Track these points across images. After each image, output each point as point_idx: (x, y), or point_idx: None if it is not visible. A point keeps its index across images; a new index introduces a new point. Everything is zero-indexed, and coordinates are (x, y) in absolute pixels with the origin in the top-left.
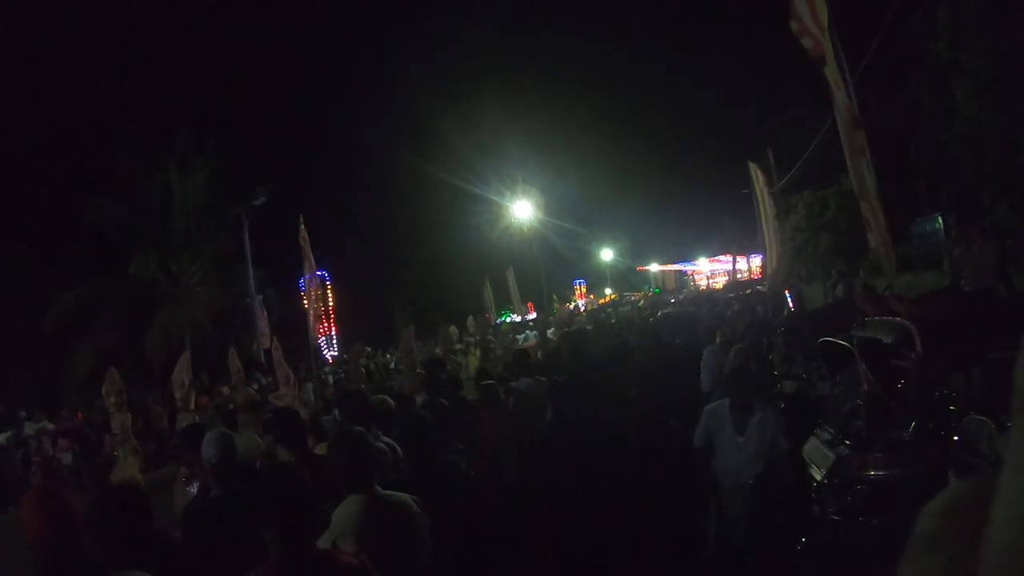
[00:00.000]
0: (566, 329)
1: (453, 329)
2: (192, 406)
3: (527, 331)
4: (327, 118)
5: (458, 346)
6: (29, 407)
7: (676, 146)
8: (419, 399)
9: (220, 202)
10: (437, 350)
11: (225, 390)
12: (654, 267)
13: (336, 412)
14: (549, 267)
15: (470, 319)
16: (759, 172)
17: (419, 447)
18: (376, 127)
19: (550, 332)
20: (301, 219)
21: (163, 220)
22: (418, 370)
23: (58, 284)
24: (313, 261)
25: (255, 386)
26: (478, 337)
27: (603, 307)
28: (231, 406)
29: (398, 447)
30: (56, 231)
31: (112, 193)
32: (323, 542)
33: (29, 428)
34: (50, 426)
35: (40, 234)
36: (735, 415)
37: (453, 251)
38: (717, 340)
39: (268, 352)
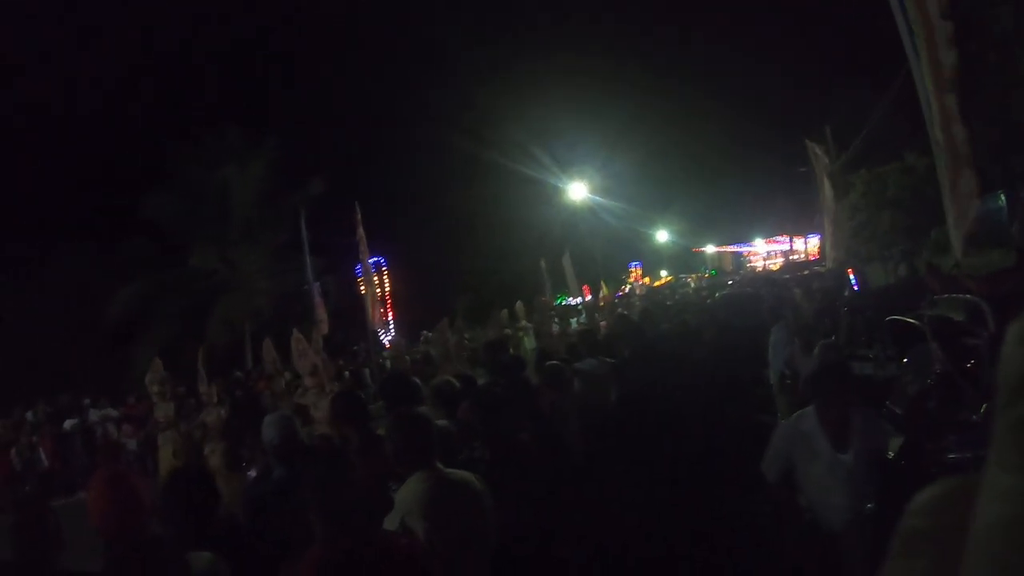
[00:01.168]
0: (620, 311)
1: (505, 313)
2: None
3: (579, 315)
4: (382, 106)
5: (507, 331)
6: (94, 395)
7: (732, 124)
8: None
9: (277, 192)
10: (491, 334)
11: (286, 375)
12: (710, 248)
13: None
14: (604, 249)
15: (518, 303)
16: (817, 150)
17: (493, 425)
18: (431, 113)
19: (598, 316)
20: (356, 206)
21: (221, 212)
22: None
23: (120, 277)
24: (366, 247)
25: None
26: (526, 321)
27: (658, 290)
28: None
29: (466, 427)
30: (117, 226)
31: (171, 188)
32: (390, 522)
33: (94, 415)
34: (114, 413)
35: (102, 229)
36: (830, 429)
37: (509, 235)
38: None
39: (326, 338)
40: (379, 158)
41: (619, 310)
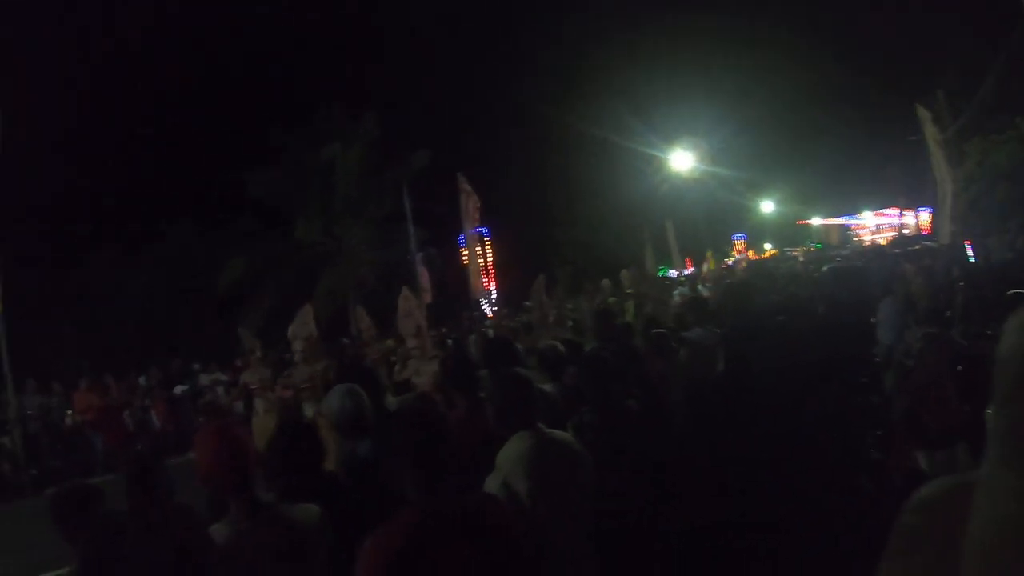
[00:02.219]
0: (728, 281)
1: (606, 282)
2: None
3: (679, 287)
4: (484, 78)
5: (612, 299)
6: (204, 361)
7: (841, 89)
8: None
9: (380, 166)
10: (595, 303)
11: (389, 343)
12: (816, 221)
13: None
14: (708, 221)
15: (624, 272)
16: (929, 116)
17: (602, 390)
18: (532, 83)
19: (702, 288)
20: (460, 176)
21: (325, 187)
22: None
23: (228, 251)
24: (475, 216)
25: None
26: (632, 290)
27: (763, 262)
28: (392, 358)
29: (573, 392)
30: (224, 202)
31: (277, 165)
32: (491, 483)
33: (204, 379)
34: (223, 377)
35: (210, 205)
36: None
37: (612, 206)
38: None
39: (430, 307)
40: (480, 130)
41: (727, 280)
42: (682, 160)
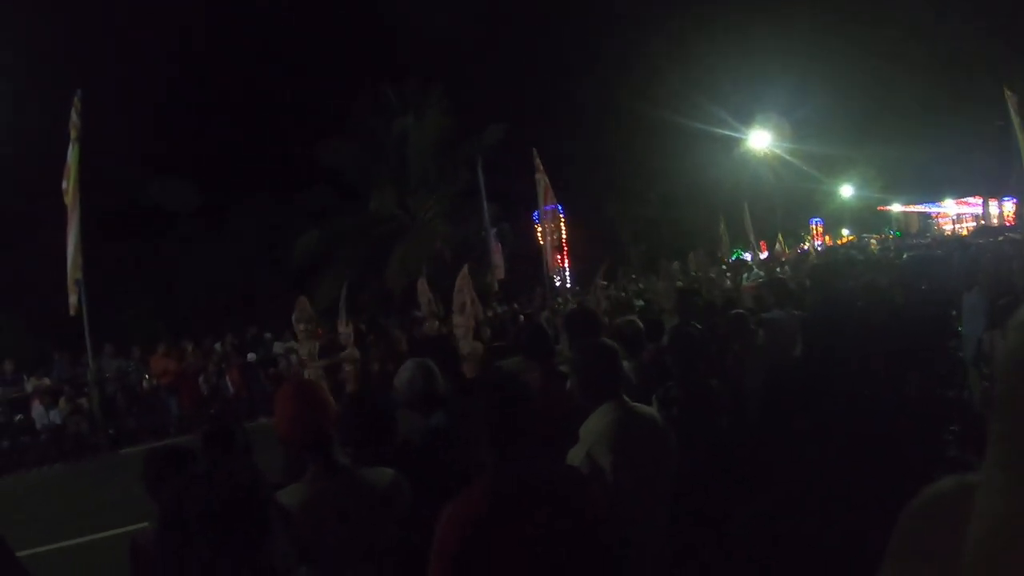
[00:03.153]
0: (815, 262)
1: (676, 265)
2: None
3: (753, 270)
4: (560, 51)
5: (679, 282)
6: (277, 330)
7: (925, 71)
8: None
9: (455, 140)
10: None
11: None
12: (896, 207)
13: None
14: (785, 204)
15: (691, 255)
16: (1016, 100)
17: (689, 366)
18: (609, 57)
19: (779, 271)
20: (535, 152)
21: (400, 160)
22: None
23: (303, 223)
24: (550, 193)
25: (489, 313)
26: (700, 273)
27: (838, 248)
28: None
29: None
30: (299, 174)
31: (352, 138)
32: (574, 455)
33: (277, 348)
34: (295, 346)
35: (285, 178)
36: None
37: (687, 185)
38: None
39: (503, 283)
40: (557, 106)
41: (812, 260)
42: (760, 139)
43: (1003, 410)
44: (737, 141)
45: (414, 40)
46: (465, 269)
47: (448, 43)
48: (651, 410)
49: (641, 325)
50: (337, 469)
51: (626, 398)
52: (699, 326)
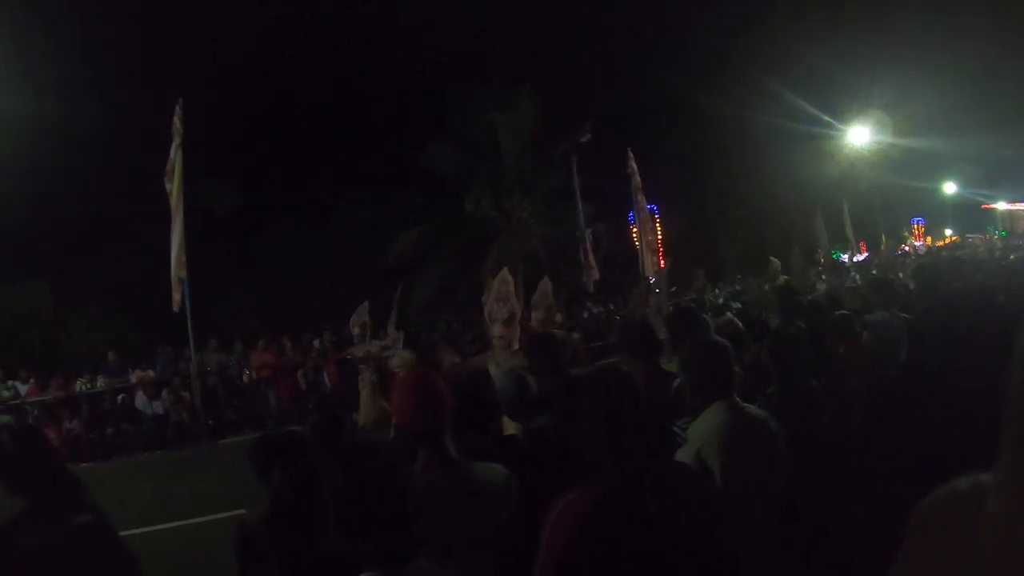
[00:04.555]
0: (921, 261)
1: (776, 262)
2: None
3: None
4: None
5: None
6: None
7: None
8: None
9: (549, 140)
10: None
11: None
12: (1002, 206)
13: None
14: (886, 202)
15: (794, 251)
16: None
17: (790, 369)
18: (701, 53)
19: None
20: (629, 152)
21: (494, 161)
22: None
23: (400, 223)
24: (643, 194)
25: (584, 315)
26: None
27: (941, 250)
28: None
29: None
30: (397, 175)
31: (447, 139)
32: (683, 456)
33: (374, 346)
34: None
35: (383, 179)
36: None
37: (785, 184)
38: None
39: (597, 284)
40: (651, 105)
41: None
42: (859, 135)
43: (1014, 414)
44: (836, 138)
45: (509, 40)
46: (505, 271)
47: (542, 42)
48: (763, 412)
49: (741, 325)
50: (450, 462)
51: (737, 399)
52: (803, 326)
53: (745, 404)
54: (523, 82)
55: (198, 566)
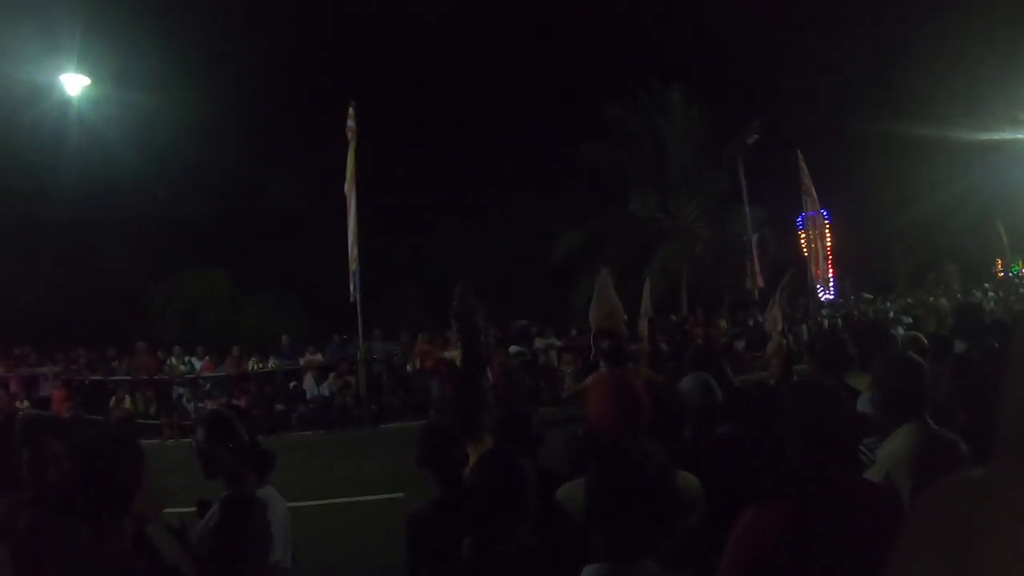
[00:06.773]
0: None
1: (952, 268)
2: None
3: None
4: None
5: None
6: (540, 326)
7: None
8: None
9: (715, 142)
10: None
11: (723, 323)
12: None
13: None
14: None
15: (952, 266)
16: None
17: (973, 395)
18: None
19: None
20: (799, 154)
21: (659, 162)
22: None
23: (565, 222)
24: (815, 198)
25: (751, 323)
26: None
27: None
28: (725, 339)
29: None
30: (562, 175)
31: (611, 140)
32: (872, 475)
33: (539, 343)
34: (557, 343)
35: (547, 178)
36: None
37: (963, 190)
38: None
39: (762, 291)
40: (822, 106)
41: None
42: None
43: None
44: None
45: (673, 40)
46: (605, 273)
47: (709, 43)
48: (955, 437)
49: (926, 343)
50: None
51: (930, 420)
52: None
53: (937, 427)
54: (688, 81)
55: (360, 541)
